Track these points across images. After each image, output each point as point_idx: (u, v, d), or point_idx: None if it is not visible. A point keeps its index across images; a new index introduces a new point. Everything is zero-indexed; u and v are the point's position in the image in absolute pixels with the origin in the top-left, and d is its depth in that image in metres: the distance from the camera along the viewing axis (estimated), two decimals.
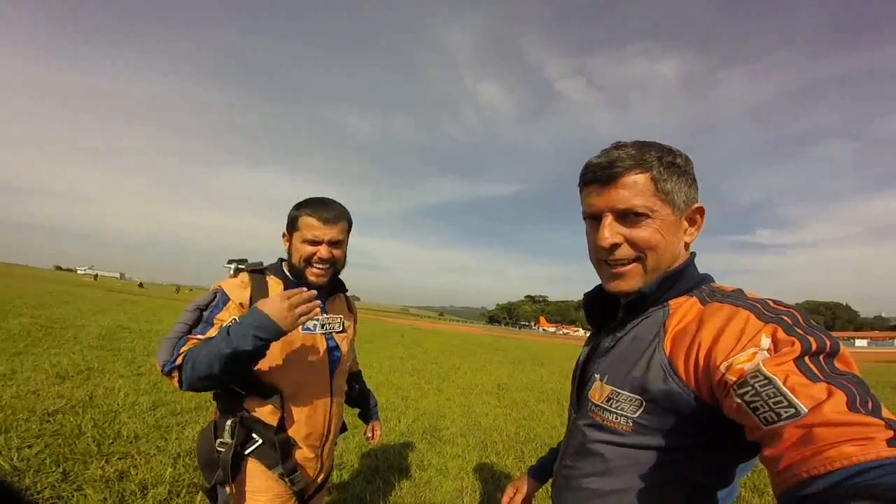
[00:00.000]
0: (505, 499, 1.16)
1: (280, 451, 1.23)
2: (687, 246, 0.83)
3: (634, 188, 0.74)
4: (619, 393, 0.76)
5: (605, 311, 0.92)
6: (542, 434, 4.40)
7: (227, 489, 1.24)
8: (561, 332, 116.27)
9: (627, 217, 0.76)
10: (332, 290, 1.45)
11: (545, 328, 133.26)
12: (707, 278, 0.81)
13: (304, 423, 1.31)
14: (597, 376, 0.83)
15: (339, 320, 1.45)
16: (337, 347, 1.42)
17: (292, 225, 1.33)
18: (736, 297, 0.71)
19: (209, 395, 1.26)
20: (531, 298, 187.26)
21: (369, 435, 1.78)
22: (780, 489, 0.49)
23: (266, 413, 1.25)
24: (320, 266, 1.32)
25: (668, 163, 0.75)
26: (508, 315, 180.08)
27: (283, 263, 1.40)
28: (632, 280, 0.78)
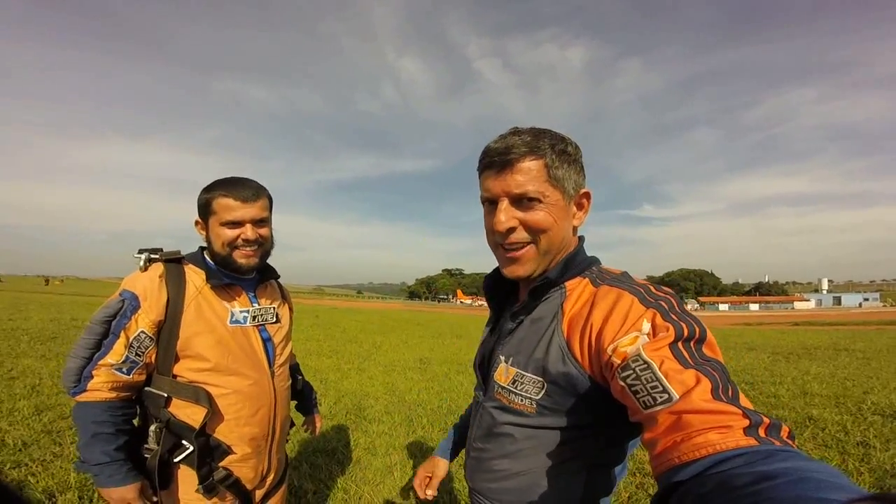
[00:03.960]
0: (420, 483, 1.14)
1: (199, 459, 1.15)
2: (575, 230, 0.87)
3: (529, 174, 0.77)
4: (524, 375, 0.80)
5: (505, 292, 0.98)
6: (462, 406, 4.64)
7: (155, 499, 1.16)
8: (476, 303, 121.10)
9: (521, 202, 0.78)
10: (262, 276, 1.36)
11: (462, 300, 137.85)
12: (595, 260, 0.87)
13: (246, 423, 1.23)
14: (501, 358, 0.86)
15: (272, 310, 1.36)
16: (270, 339, 1.34)
17: (205, 210, 1.22)
18: (622, 281, 0.77)
19: None
20: (448, 272, 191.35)
21: (309, 428, 1.72)
22: (657, 472, 0.52)
23: (197, 417, 1.16)
24: (248, 247, 1.23)
25: (560, 150, 0.79)
26: (427, 289, 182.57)
27: (204, 252, 1.29)
28: (527, 264, 0.82)
